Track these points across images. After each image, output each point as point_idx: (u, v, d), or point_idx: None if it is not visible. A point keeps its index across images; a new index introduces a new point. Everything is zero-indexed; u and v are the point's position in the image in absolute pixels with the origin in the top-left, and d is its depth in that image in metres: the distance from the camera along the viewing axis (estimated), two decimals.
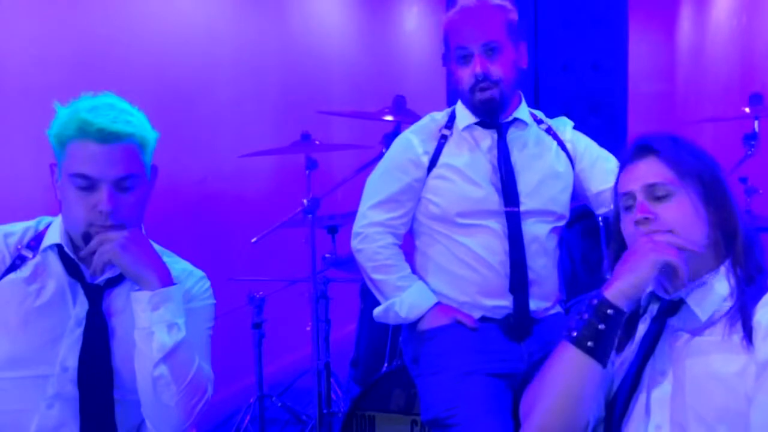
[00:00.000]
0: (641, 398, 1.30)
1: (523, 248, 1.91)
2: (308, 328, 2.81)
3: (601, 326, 1.25)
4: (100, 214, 1.37)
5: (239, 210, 3.58)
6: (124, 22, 2.90)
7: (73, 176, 1.37)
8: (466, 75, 1.90)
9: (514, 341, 1.92)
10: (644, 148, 1.33)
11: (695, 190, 1.29)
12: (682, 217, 1.28)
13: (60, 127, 1.38)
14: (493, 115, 1.93)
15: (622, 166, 1.37)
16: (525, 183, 1.93)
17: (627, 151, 1.36)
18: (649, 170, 1.30)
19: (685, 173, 1.28)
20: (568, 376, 1.27)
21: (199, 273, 1.56)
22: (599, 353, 1.26)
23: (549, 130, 2.03)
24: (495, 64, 1.88)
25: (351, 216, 2.06)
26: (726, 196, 1.29)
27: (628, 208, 1.33)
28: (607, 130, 3.09)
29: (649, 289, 1.35)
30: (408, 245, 2.04)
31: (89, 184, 1.37)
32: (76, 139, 1.36)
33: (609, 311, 1.25)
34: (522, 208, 1.91)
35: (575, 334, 1.27)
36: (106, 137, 1.35)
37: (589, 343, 1.26)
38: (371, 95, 4.21)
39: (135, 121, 1.40)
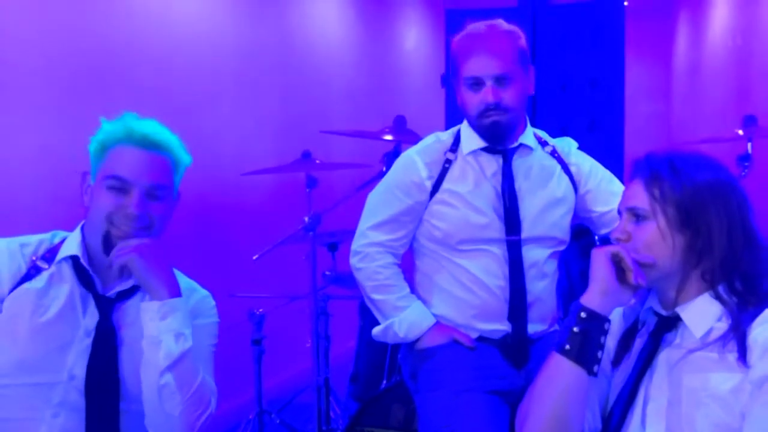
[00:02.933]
0: (637, 411, 1.32)
1: (523, 274, 1.92)
2: (308, 345, 2.83)
3: (576, 329, 1.32)
4: (126, 217, 1.43)
5: (240, 227, 3.60)
6: (127, 39, 2.93)
7: (108, 177, 1.45)
8: (475, 101, 1.89)
9: (513, 365, 1.94)
10: (637, 169, 1.38)
11: (670, 216, 1.32)
12: (647, 240, 1.33)
13: (106, 134, 1.47)
14: (499, 140, 1.92)
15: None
16: (528, 211, 1.93)
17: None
18: (633, 193, 1.36)
19: (662, 200, 1.32)
20: (554, 383, 1.32)
21: (204, 291, 1.60)
22: (577, 356, 1.31)
23: (553, 153, 2.02)
24: (506, 92, 1.87)
25: (351, 233, 2.05)
26: (708, 224, 1.31)
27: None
28: (604, 148, 3.12)
29: (648, 305, 1.39)
30: (407, 263, 2.06)
31: (122, 186, 1.44)
32: (121, 143, 1.46)
33: (582, 314, 1.32)
34: (523, 235, 1.92)
35: (559, 342, 1.33)
36: (149, 144, 1.45)
37: (567, 347, 1.31)
38: (372, 115, 4.25)
39: (174, 140, 1.51)
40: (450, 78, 2.00)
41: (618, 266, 1.34)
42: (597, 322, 1.32)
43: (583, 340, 1.31)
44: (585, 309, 1.32)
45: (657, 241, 1.32)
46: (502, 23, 1.92)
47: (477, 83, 1.88)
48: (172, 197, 1.51)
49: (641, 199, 1.34)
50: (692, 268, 1.32)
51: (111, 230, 1.44)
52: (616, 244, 1.36)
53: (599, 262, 1.34)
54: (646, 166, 1.36)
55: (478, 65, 1.86)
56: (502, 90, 1.87)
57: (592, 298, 1.33)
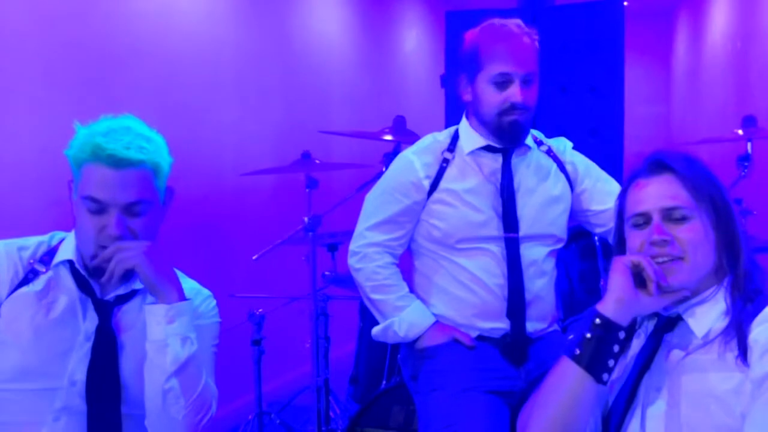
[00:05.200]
0: (636, 413, 1.32)
1: (521, 272, 1.92)
2: (308, 345, 2.83)
3: (589, 335, 1.29)
4: (108, 238, 1.40)
5: (240, 227, 3.60)
6: (127, 41, 2.94)
7: (84, 198, 1.40)
8: (498, 99, 1.88)
9: (512, 364, 1.94)
10: (659, 165, 1.34)
11: (708, 214, 1.30)
12: (695, 241, 1.30)
13: (76, 149, 1.41)
14: (515, 139, 1.93)
15: (632, 180, 1.37)
16: (525, 208, 1.94)
17: (639, 166, 1.37)
18: (666, 191, 1.32)
19: (701, 196, 1.30)
20: (560, 388, 1.30)
21: (207, 292, 1.59)
22: (587, 363, 1.28)
23: (549, 152, 2.03)
24: (530, 92, 1.88)
25: (351, 234, 2.05)
26: (733, 220, 1.31)
27: (638, 226, 1.35)
28: (603, 151, 3.12)
29: None
30: (405, 263, 2.06)
31: (100, 208, 1.40)
32: (90, 162, 1.39)
33: (597, 321, 1.29)
34: (521, 233, 1.92)
35: (570, 346, 1.31)
36: (117, 163, 1.38)
37: (578, 352, 1.29)
38: (371, 115, 4.26)
39: (150, 147, 1.42)
40: (460, 73, 1.97)
41: (638, 275, 1.30)
42: (611, 330, 1.29)
43: (595, 348, 1.28)
44: (600, 316, 1.29)
45: (702, 240, 1.29)
46: (521, 23, 1.92)
47: (505, 81, 1.87)
48: (157, 204, 1.46)
49: (682, 197, 1.30)
50: (717, 267, 1.30)
51: (99, 252, 1.42)
52: (645, 258, 1.31)
53: (617, 269, 1.31)
54: (671, 161, 1.32)
55: (511, 63, 1.86)
56: (527, 90, 1.88)
57: (607, 306, 1.30)
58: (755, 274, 1.31)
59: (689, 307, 1.32)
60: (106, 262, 1.41)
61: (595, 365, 1.28)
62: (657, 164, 1.34)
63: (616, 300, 1.29)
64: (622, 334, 1.29)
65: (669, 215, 1.31)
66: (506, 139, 1.93)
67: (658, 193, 1.32)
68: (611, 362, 1.29)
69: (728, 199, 1.33)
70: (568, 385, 1.29)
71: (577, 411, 1.29)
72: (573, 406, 1.28)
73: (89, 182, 1.40)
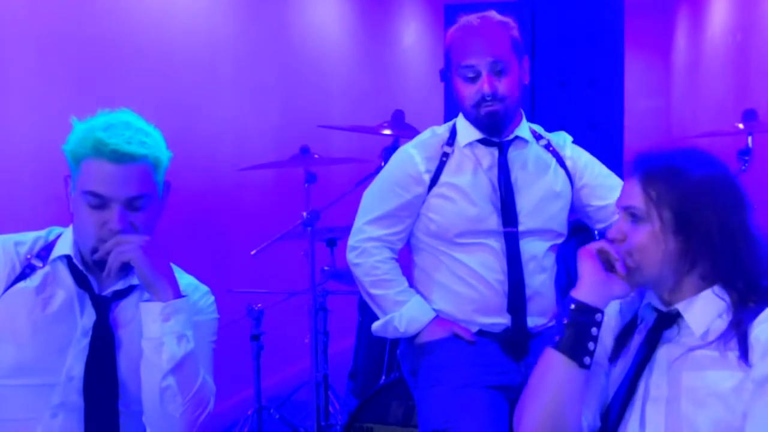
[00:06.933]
0: (636, 408, 1.32)
1: (521, 267, 1.92)
2: (307, 341, 2.83)
3: (567, 321, 1.32)
4: (109, 232, 1.39)
5: (239, 222, 3.60)
6: (125, 35, 2.93)
7: (85, 193, 1.39)
8: (471, 92, 1.89)
9: (513, 359, 1.94)
10: (634, 167, 1.36)
11: (666, 220, 1.30)
12: (641, 243, 1.32)
13: (75, 144, 1.40)
14: (496, 130, 1.93)
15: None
16: (524, 203, 1.93)
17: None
18: (630, 192, 1.35)
19: (658, 202, 1.30)
20: (547, 376, 1.32)
21: (205, 288, 1.58)
22: (568, 349, 1.30)
23: (548, 146, 2.02)
24: (502, 82, 1.87)
25: (350, 229, 2.04)
26: (705, 226, 1.29)
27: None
28: (603, 145, 3.12)
29: (646, 301, 1.38)
30: (404, 258, 2.05)
31: (101, 203, 1.39)
32: (91, 157, 1.38)
33: (571, 306, 1.32)
34: (520, 228, 1.92)
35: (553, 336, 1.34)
36: (119, 158, 1.37)
37: (557, 337, 1.32)
38: (370, 110, 4.25)
39: (150, 142, 1.42)
40: (445, 72, 1.99)
41: (607, 261, 1.34)
42: (588, 314, 1.31)
43: (574, 333, 1.31)
44: (575, 301, 1.32)
45: (650, 244, 1.31)
46: (494, 14, 1.92)
47: (473, 73, 1.88)
48: (157, 199, 1.46)
49: (637, 199, 1.32)
50: (687, 271, 1.30)
51: (98, 246, 1.41)
52: (608, 243, 1.34)
53: (584, 257, 1.35)
54: (642, 165, 1.34)
55: (474, 55, 1.87)
56: (498, 80, 1.87)
57: (581, 291, 1.33)
58: (759, 274, 1.30)
59: (686, 304, 1.31)
60: (108, 254, 1.40)
61: (576, 350, 1.30)
62: (633, 166, 1.37)
63: (588, 284, 1.33)
64: (599, 317, 1.32)
65: (630, 213, 1.34)
66: (487, 130, 1.93)
67: (624, 191, 1.36)
68: (591, 345, 1.31)
69: (706, 206, 1.30)
70: (552, 373, 1.31)
71: (566, 398, 1.30)
72: (561, 394, 1.30)
73: (90, 177, 1.38)
